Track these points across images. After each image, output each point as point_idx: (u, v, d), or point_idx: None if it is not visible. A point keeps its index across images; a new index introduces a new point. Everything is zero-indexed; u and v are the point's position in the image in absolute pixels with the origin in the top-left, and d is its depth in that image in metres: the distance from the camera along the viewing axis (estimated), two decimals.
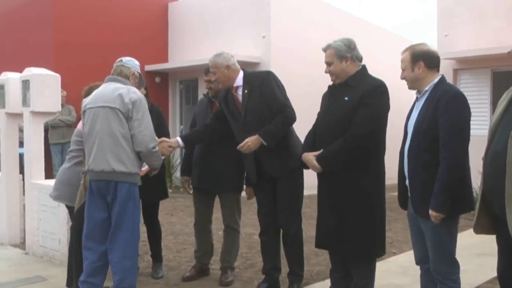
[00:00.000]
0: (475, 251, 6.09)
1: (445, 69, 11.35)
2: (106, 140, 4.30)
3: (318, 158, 4.17)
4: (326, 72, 4.40)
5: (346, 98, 4.17)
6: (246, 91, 4.88)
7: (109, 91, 4.40)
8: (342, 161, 4.11)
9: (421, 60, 3.72)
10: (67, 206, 5.29)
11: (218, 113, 5.14)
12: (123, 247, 4.31)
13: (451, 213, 3.53)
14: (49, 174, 7.42)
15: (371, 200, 4.16)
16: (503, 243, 3.33)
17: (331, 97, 4.36)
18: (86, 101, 4.53)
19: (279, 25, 12.13)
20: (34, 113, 6.56)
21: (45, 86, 6.52)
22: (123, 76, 4.53)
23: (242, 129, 4.86)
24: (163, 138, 4.88)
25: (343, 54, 4.25)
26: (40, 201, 6.36)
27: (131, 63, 4.65)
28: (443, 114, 3.53)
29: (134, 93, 4.36)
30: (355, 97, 4.12)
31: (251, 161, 4.91)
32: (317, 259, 6.23)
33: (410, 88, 3.88)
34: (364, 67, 4.39)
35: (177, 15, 14.42)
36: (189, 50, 13.82)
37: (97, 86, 4.70)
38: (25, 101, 6.63)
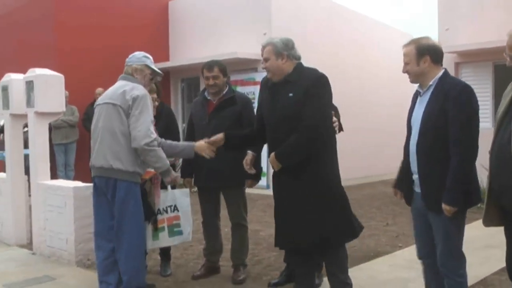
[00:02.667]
0: (481, 244, 6.10)
1: (447, 62, 11.30)
2: (106, 136, 4.37)
3: (276, 155, 4.16)
4: (262, 68, 4.52)
5: (290, 95, 4.18)
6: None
7: (115, 88, 4.50)
8: (300, 154, 4.12)
9: (427, 54, 3.70)
10: None
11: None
12: (127, 247, 4.36)
13: (461, 207, 3.56)
14: (53, 175, 7.43)
15: (331, 190, 4.21)
16: (511, 235, 3.35)
17: (274, 95, 4.32)
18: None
19: (280, 22, 12.11)
20: (39, 114, 6.58)
21: (49, 86, 6.54)
22: (128, 74, 4.61)
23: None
24: (203, 141, 4.71)
25: (279, 51, 4.29)
26: (46, 201, 6.38)
27: (133, 58, 4.69)
28: (453, 108, 3.52)
29: (137, 90, 4.40)
30: (299, 91, 4.14)
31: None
32: None
33: (412, 82, 3.88)
34: (299, 63, 4.39)
35: (178, 14, 14.41)
36: (190, 49, 13.82)
37: None
38: (29, 102, 6.65)
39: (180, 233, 4.98)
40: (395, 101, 14.14)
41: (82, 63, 12.32)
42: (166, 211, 4.91)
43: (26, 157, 7.16)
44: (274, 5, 12.29)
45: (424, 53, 3.70)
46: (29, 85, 6.61)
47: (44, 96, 6.52)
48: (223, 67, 5.33)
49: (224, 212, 5.56)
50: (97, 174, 4.47)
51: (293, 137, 4.11)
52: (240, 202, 5.41)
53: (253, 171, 4.73)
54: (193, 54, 13.34)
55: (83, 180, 6.92)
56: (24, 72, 6.91)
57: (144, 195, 4.67)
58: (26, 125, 7.26)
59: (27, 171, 7.11)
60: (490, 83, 10.58)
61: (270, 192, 7.27)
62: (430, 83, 3.72)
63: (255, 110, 4.98)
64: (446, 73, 3.75)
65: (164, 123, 5.36)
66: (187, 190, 5.11)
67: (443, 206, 3.54)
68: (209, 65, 5.31)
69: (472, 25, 10.78)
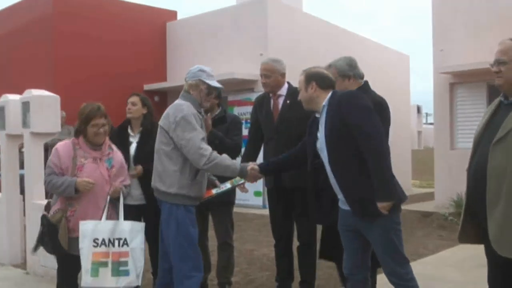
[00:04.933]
0: (474, 263, 6.11)
1: (441, 83, 11.48)
2: (155, 158, 4.37)
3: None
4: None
5: None
6: (288, 101, 5.09)
7: (167, 108, 4.45)
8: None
9: (313, 80, 3.85)
10: None
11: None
12: (174, 271, 4.27)
13: (393, 208, 3.56)
14: (48, 194, 7.44)
15: None
16: (490, 255, 3.36)
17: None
18: None
19: (276, 43, 12.23)
20: (34, 134, 6.61)
21: (44, 107, 6.57)
22: (186, 91, 4.49)
23: (272, 136, 5.01)
24: (252, 164, 4.45)
25: (345, 73, 4.38)
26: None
27: (189, 74, 4.51)
28: (349, 113, 3.62)
29: (180, 112, 4.26)
30: None
31: None
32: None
33: (305, 108, 3.98)
34: (366, 82, 4.49)
35: (175, 35, 14.54)
36: (187, 69, 13.72)
37: None
38: (25, 122, 6.69)
39: (126, 273, 4.25)
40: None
41: (79, 84, 12.40)
42: (113, 244, 4.25)
43: (22, 177, 7.17)
44: (270, 26, 12.41)
45: (311, 80, 3.85)
46: (25, 105, 6.65)
47: (39, 117, 6.55)
48: (219, 93, 5.40)
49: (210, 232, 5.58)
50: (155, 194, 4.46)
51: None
52: (228, 221, 5.44)
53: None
54: None
55: None
56: (22, 92, 6.96)
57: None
58: (22, 146, 7.29)
59: (22, 191, 7.12)
60: (484, 103, 10.64)
61: (265, 211, 7.31)
62: (323, 104, 3.81)
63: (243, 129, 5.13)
64: (334, 92, 3.84)
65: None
66: (142, 224, 4.51)
67: (379, 205, 3.51)
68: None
69: (466, 46, 10.90)
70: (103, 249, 4.19)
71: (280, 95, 5.19)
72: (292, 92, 5.13)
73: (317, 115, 3.91)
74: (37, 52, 12.89)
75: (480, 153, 3.33)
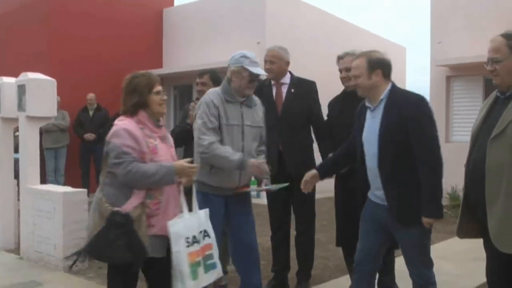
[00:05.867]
0: (470, 256, 6.13)
1: (438, 75, 11.47)
2: None
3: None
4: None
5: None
6: (292, 90, 5.12)
7: None
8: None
9: (379, 68, 3.68)
10: None
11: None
12: None
13: (440, 217, 3.56)
14: (42, 179, 7.41)
15: None
16: (489, 248, 3.36)
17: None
18: None
19: (273, 32, 12.17)
20: (30, 118, 6.55)
21: (41, 90, 6.52)
22: (228, 77, 4.32)
23: (273, 123, 4.94)
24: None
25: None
26: (35, 206, 6.35)
27: (232, 61, 4.31)
28: (413, 121, 3.52)
29: (203, 97, 4.29)
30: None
31: (275, 156, 4.99)
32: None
33: (362, 95, 3.82)
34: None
35: (172, 21, 14.44)
36: (183, 56, 13.84)
37: None
38: (20, 106, 6.63)
39: (214, 266, 3.79)
40: None
41: (75, 69, 12.31)
42: (201, 238, 3.73)
43: (16, 161, 7.12)
44: (268, 14, 12.35)
45: (376, 67, 3.68)
46: (21, 88, 6.59)
47: (35, 100, 6.50)
48: (214, 76, 5.40)
49: None
50: None
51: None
52: None
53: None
54: (187, 62, 13.37)
55: (73, 186, 6.90)
56: (16, 77, 6.89)
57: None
58: (17, 129, 7.24)
59: (16, 175, 7.08)
60: (480, 97, 10.64)
61: (260, 200, 7.29)
62: (381, 97, 3.69)
63: None
64: (394, 86, 3.73)
65: None
66: (206, 209, 3.92)
67: (424, 219, 3.50)
68: (201, 72, 5.47)
69: (464, 39, 10.88)
70: (195, 247, 3.65)
71: (283, 83, 5.19)
72: (296, 81, 5.19)
73: (367, 104, 3.78)
74: (32, 33, 12.77)
75: (478, 148, 3.32)
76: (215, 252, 3.78)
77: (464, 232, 3.55)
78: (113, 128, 3.53)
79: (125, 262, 3.38)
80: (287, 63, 5.19)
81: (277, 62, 5.09)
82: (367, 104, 3.80)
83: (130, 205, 3.44)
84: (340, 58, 4.80)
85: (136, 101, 3.59)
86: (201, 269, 3.64)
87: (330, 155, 4.40)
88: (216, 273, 3.82)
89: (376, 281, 4.10)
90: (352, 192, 4.16)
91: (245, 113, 4.30)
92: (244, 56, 4.24)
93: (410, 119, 3.53)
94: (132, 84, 3.63)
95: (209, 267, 3.72)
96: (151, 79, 3.67)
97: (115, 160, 3.45)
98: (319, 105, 5.26)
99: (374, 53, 3.76)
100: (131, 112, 3.60)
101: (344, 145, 4.20)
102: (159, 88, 3.68)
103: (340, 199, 4.76)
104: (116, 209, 3.41)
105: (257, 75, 4.28)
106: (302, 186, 4.13)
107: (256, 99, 4.49)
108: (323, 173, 4.20)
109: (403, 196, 3.59)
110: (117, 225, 3.37)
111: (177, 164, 3.60)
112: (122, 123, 3.55)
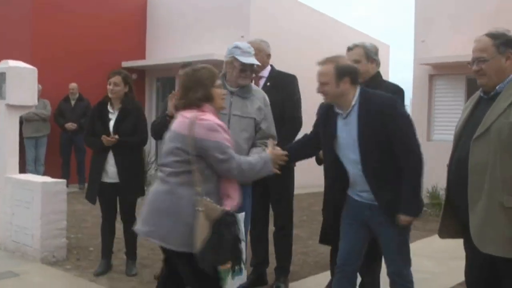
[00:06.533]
0: (448, 255, 6.16)
1: (421, 74, 11.52)
2: None
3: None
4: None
5: None
6: (268, 83, 5.06)
7: None
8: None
9: (348, 75, 3.59)
10: (165, 250, 3.51)
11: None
12: None
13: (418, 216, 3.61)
14: (21, 169, 7.32)
15: None
16: (469, 248, 3.37)
17: None
18: None
19: (257, 26, 12.13)
20: (10, 106, 6.46)
21: (21, 79, 6.43)
22: (226, 70, 4.38)
23: None
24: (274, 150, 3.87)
25: (371, 56, 4.53)
26: (14, 196, 6.27)
27: (226, 52, 4.37)
28: (392, 122, 3.51)
29: None
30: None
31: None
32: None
33: (330, 102, 3.73)
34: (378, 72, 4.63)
35: (156, 12, 14.34)
36: (166, 48, 13.75)
37: None
38: (0, 94, 6.54)
39: (240, 272, 3.39)
40: None
41: (57, 58, 12.18)
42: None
43: None
44: (252, 8, 12.31)
45: (344, 75, 3.58)
46: (1, 76, 6.49)
47: (16, 89, 6.40)
48: None
49: None
50: None
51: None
52: None
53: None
54: (170, 54, 13.28)
55: (53, 176, 6.83)
56: None
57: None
58: None
59: None
60: (463, 96, 10.69)
61: None
62: (353, 103, 3.62)
63: None
64: (363, 90, 3.67)
65: (134, 120, 5.52)
66: (243, 214, 3.73)
67: (403, 217, 3.52)
68: (184, 64, 5.39)
69: (447, 38, 10.94)
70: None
71: (261, 77, 5.14)
72: (275, 75, 5.15)
73: (338, 111, 3.69)
74: (16, 22, 12.61)
75: (461, 148, 3.31)
76: (244, 257, 3.46)
77: (445, 232, 3.55)
78: (203, 123, 3.32)
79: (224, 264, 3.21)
80: (268, 55, 5.17)
81: (258, 54, 5.03)
82: (337, 110, 3.70)
83: (230, 204, 3.35)
84: (349, 49, 4.64)
85: (202, 94, 3.47)
86: (229, 276, 3.33)
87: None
88: (241, 280, 3.57)
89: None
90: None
91: (234, 103, 4.28)
92: (236, 47, 4.30)
93: (388, 121, 3.52)
94: (195, 77, 3.53)
95: (236, 273, 3.36)
96: (212, 72, 3.61)
97: (222, 156, 3.30)
98: (297, 99, 5.13)
99: (341, 60, 3.69)
100: (197, 105, 3.45)
101: (306, 135, 4.10)
102: (219, 81, 3.63)
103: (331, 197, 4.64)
104: (225, 209, 3.26)
105: (250, 65, 4.29)
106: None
107: (258, 91, 4.49)
108: (294, 155, 4.04)
109: (392, 193, 3.57)
110: (228, 225, 3.21)
111: (270, 153, 3.64)
112: (209, 117, 3.38)
